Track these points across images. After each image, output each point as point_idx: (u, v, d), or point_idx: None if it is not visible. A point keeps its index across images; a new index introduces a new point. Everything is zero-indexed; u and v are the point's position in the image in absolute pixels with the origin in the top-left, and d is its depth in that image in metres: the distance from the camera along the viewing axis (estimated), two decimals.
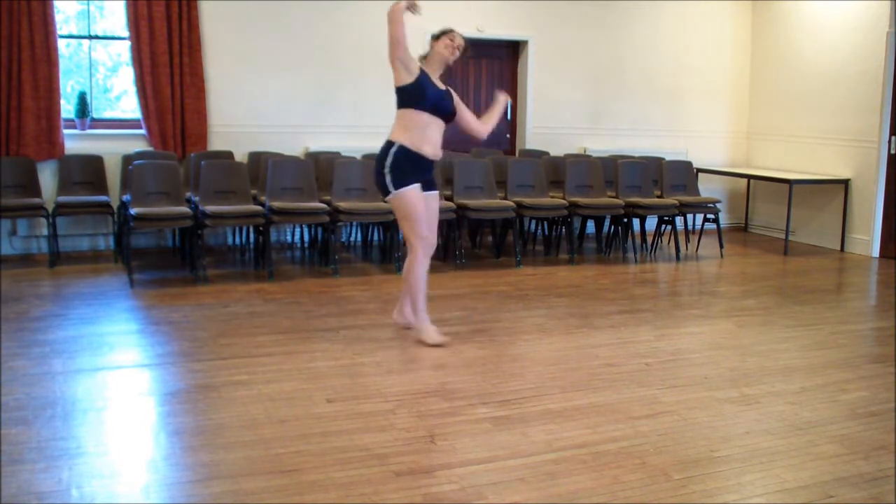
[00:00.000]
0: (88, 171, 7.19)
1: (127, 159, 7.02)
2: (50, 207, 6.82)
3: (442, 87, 4.78)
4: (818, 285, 6.98)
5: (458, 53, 4.80)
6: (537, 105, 8.93)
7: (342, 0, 7.98)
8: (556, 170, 8.07)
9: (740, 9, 9.67)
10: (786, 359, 4.78)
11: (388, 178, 4.66)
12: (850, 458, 3.39)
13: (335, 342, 4.84)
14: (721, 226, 8.16)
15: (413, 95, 4.65)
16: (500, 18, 8.66)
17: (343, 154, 7.62)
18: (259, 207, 6.54)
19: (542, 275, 6.96)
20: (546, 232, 8.07)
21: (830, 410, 3.95)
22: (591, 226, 8.64)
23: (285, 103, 7.89)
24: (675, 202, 7.81)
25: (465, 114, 4.87)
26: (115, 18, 7.54)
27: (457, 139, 8.86)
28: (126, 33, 7.28)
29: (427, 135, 4.67)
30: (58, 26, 7.06)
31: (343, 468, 3.17)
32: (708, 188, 9.29)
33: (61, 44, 7.24)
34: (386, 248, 7.42)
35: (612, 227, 8.19)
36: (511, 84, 9.03)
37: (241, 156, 7.55)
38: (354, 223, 7.72)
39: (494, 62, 8.96)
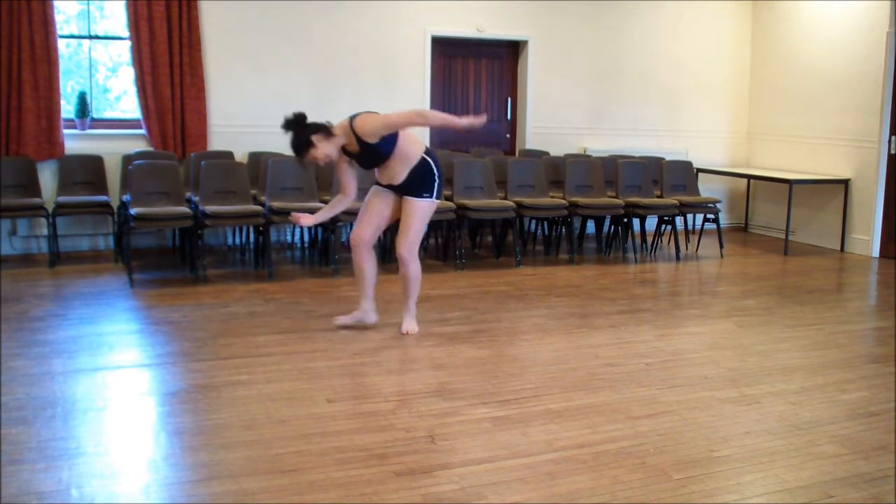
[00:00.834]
0: (88, 171, 7.19)
1: (127, 159, 7.02)
2: (50, 207, 6.82)
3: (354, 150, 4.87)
4: (818, 285, 6.98)
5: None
6: (537, 105, 8.93)
7: (342, 0, 7.98)
8: (556, 170, 8.07)
9: (740, 9, 9.67)
10: (786, 359, 4.78)
11: (436, 185, 4.92)
12: (850, 458, 3.39)
13: (335, 342, 4.84)
14: (721, 226, 8.17)
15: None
16: (500, 18, 8.66)
17: None
18: (259, 207, 6.54)
19: (541, 275, 6.96)
20: (546, 232, 8.07)
21: (830, 410, 3.95)
22: (591, 226, 8.65)
23: (285, 103, 7.82)
24: (675, 202, 7.81)
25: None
26: (115, 18, 7.54)
27: (457, 139, 8.94)
28: (126, 33, 7.29)
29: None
30: (58, 26, 7.06)
31: (343, 468, 3.17)
32: (708, 188, 9.29)
33: (61, 44, 7.24)
34: (386, 249, 7.41)
35: (612, 227, 8.19)
36: (511, 84, 9.03)
37: (241, 156, 7.55)
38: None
39: (494, 62, 8.96)
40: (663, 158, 8.46)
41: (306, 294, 6.03)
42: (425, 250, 7.79)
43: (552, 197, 7.61)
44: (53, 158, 7.13)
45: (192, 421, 3.64)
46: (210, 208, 6.33)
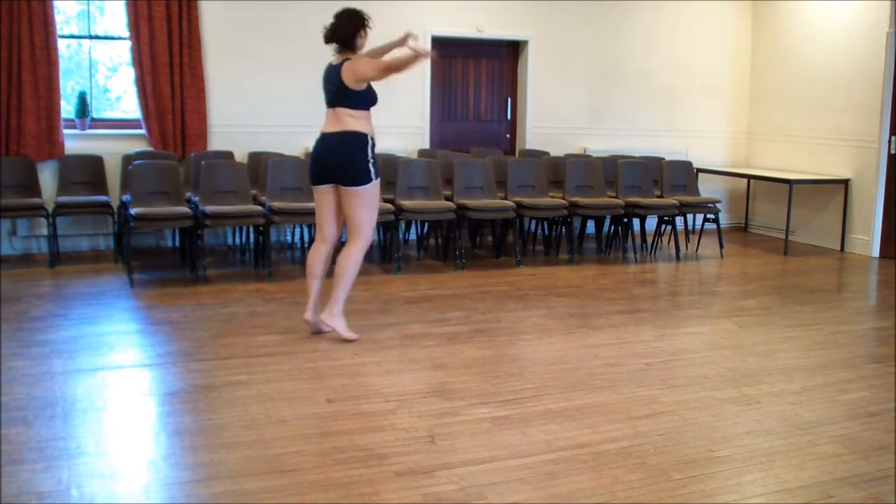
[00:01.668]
0: (88, 171, 7.19)
1: (127, 159, 7.01)
2: (50, 207, 6.82)
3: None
4: (818, 285, 6.98)
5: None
6: (537, 105, 8.93)
7: (342, 0, 7.96)
8: (556, 170, 8.06)
9: (740, 9, 9.67)
10: (786, 359, 4.78)
11: (371, 165, 4.75)
12: (850, 458, 3.39)
13: (335, 342, 4.84)
14: (721, 226, 8.16)
15: (372, 97, 4.86)
16: (500, 18, 8.66)
17: None
18: (259, 207, 6.54)
19: (541, 275, 6.96)
20: (546, 232, 8.07)
21: (830, 410, 3.95)
22: (591, 226, 8.64)
23: (285, 103, 7.88)
24: (675, 202, 7.81)
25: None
26: (115, 18, 7.54)
27: (457, 139, 8.94)
28: (126, 33, 7.29)
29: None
30: (58, 26, 7.06)
31: (343, 468, 3.17)
32: (708, 188, 9.29)
33: (61, 44, 7.24)
34: (386, 248, 7.42)
35: (612, 227, 8.19)
36: (511, 84, 9.03)
37: (241, 156, 7.55)
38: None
39: (494, 62, 8.96)
40: (663, 158, 8.46)
41: (306, 294, 6.01)
42: (425, 250, 7.80)
43: (552, 197, 7.61)
44: (53, 158, 7.13)
45: (192, 421, 3.64)
46: (210, 208, 6.33)
